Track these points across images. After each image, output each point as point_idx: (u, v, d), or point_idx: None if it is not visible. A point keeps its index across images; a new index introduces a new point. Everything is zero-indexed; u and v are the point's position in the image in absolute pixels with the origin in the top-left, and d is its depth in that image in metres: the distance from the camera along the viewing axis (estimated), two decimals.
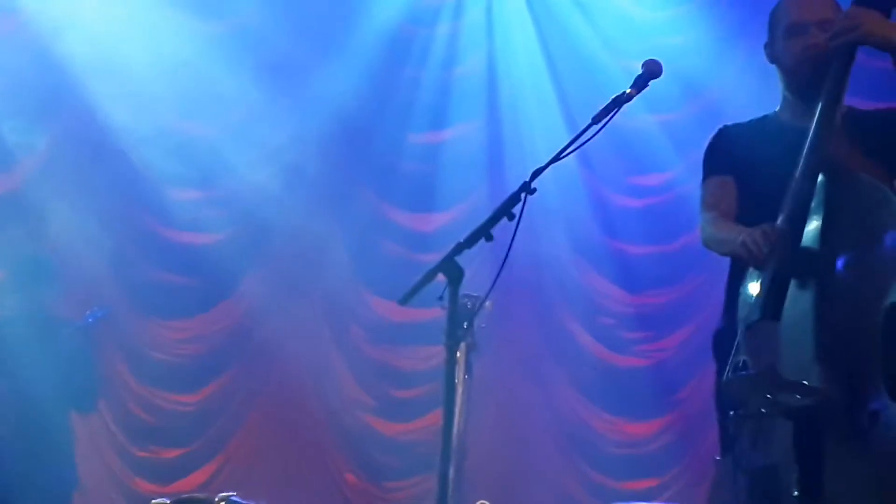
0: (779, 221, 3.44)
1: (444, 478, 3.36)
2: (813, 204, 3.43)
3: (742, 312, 3.57)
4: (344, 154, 8.99)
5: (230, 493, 6.17)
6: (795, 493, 3.21)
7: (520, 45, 9.08)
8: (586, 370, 8.75)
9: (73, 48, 8.33)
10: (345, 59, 8.84)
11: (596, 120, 3.55)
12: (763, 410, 3.31)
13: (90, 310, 6.63)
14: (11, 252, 6.94)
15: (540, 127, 8.77)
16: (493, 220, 3.40)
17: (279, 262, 8.86)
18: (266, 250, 8.89)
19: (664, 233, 8.63)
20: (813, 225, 3.42)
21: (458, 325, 3.36)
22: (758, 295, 3.42)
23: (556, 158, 3.53)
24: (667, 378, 8.58)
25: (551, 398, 8.74)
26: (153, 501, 6.19)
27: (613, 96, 3.59)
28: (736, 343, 3.57)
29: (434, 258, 3.40)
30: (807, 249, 3.39)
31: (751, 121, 4.01)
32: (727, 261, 3.83)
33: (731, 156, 3.92)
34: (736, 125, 4.04)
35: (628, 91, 3.62)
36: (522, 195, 3.39)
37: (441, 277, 3.34)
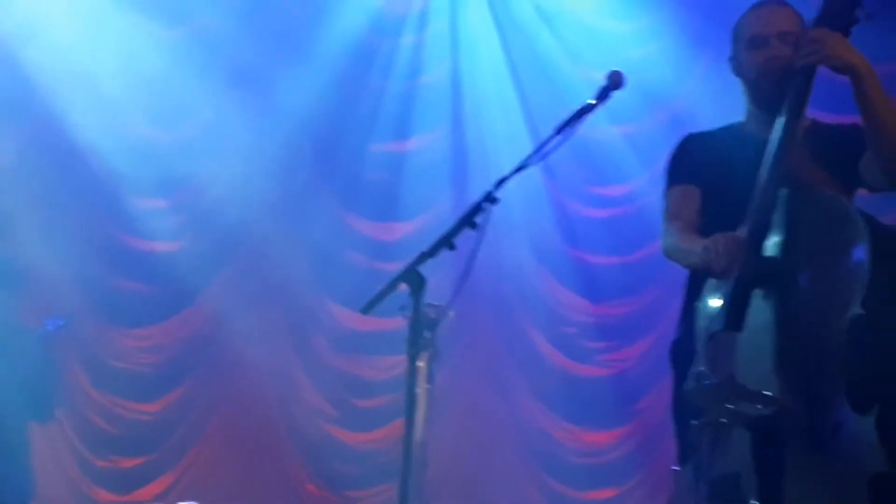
0: (740, 233, 3.47)
1: (404, 487, 3.36)
2: (775, 217, 3.46)
3: (702, 323, 3.59)
4: (307, 163, 8.98)
5: (190, 503, 6.15)
6: (754, 502, 3.23)
7: (484, 56, 9.09)
8: (548, 379, 8.76)
9: (39, 56, 8.31)
10: (309, 67, 8.82)
11: (559, 130, 3.58)
12: (723, 420, 3.33)
13: (50, 318, 6.58)
14: None
15: (503, 137, 8.79)
16: (456, 229, 3.41)
17: (241, 270, 8.84)
18: (228, 259, 8.86)
19: (626, 243, 8.66)
20: (775, 238, 3.45)
21: (420, 335, 3.37)
22: (719, 306, 3.44)
23: (520, 168, 3.55)
24: (628, 388, 8.61)
25: (513, 407, 8.75)
26: None
27: (577, 107, 3.61)
28: (695, 353, 3.60)
29: (397, 267, 3.41)
30: (768, 260, 3.42)
31: (716, 129, 4.04)
32: (687, 271, 3.85)
33: (696, 165, 3.94)
34: (701, 133, 4.07)
35: (591, 102, 3.65)
36: (485, 205, 3.41)
37: (404, 287, 3.35)
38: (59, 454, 8.54)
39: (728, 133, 3.98)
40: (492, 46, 9.07)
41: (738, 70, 3.91)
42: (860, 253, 3.24)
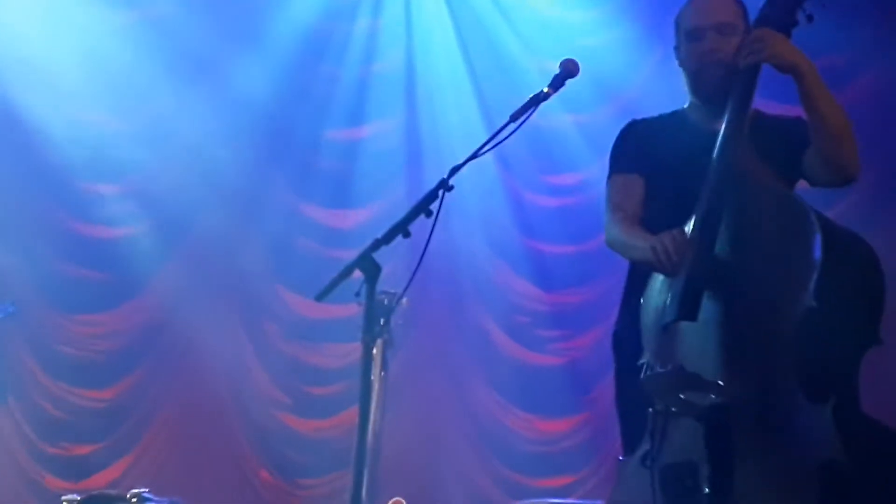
0: (689, 229, 3.49)
1: (358, 475, 3.36)
2: (725, 211, 3.47)
3: (648, 318, 3.61)
4: (260, 149, 8.94)
5: (142, 490, 6.12)
6: (706, 489, 3.25)
7: (438, 43, 9.08)
8: (501, 368, 8.77)
9: None
10: (262, 53, 8.79)
11: (513, 118, 3.58)
12: (674, 409, 3.35)
13: None
14: None
15: (458, 124, 8.79)
16: (411, 216, 3.41)
17: (193, 257, 8.79)
18: (180, 245, 8.81)
19: (579, 232, 8.67)
20: (725, 233, 3.46)
21: (374, 322, 3.37)
22: (670, 297, 3.46)
23: (474, 156, 3.56)
24: (581, 376, 8.63)
25: (466, 395, 8.76)
26: (63, 498, 6.11)
27: (531, 95, 3.62)
28: (638, 346, 3.62)
29: (351, 255, 3.40)
30: (720, 258, 3.43)
31: (661, 115, 4.06)
32: None
33: (640, 152, 3.95)
34: (645, 120, 4.08)
35: (545, 90, 3.66)
36: (440, 192, 3.41)
37: (358, 274, 3.34)
38: (8, 441, 8.49)
39: (671, 120, 4.01)
40: (446, 33, 9.07)
41: (680, 61, 3.94)
42: (812, 246, 3.27)
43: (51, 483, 8.48)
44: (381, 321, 5.20)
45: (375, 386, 5.37)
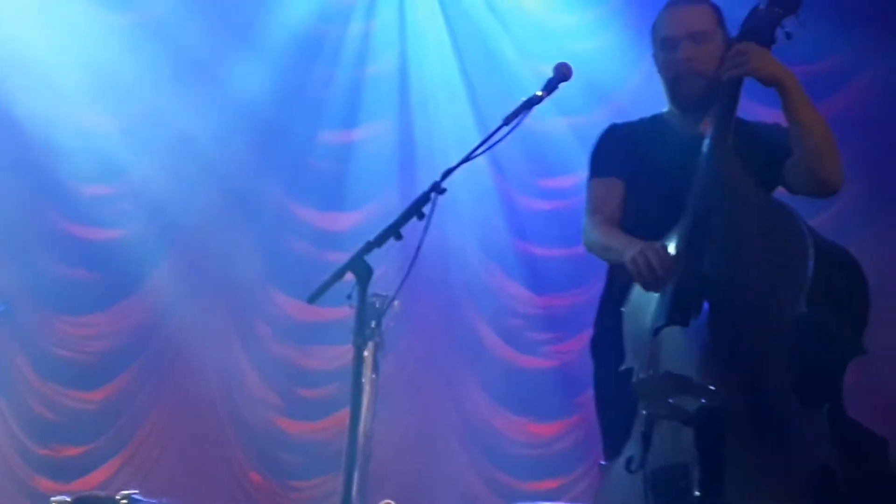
0: (673, 241, 3.48)
1: (349, 477, 3.36)
2: (713, 221, 3.47)
3: (632, 323, 3.60)
4: (254, 151, 8.94)
5: (132, 491, 6.11)
6: (697, 493, 3.25)
7: (432, 46, 9.09)
8: (493, 370, 8.77)
9: None
10: (256, 55, 8.79)
11: (507, 121, 3.59)
12: (665, 413, 3.35)
13: None
14: None
15: (451, 127, 8.79)
16: (403, 219, 3.41)
17: (186, 258, 8.79)
18: (173, 246, 8.81)
19: (571, 235, 8.58)
20: (714, 241, 3.45)
21: (366, 324, 3.37)
22: (658, 303, 3.46)
23: (467, 159, 3.56)
24: (572, 379, 8.63)
25: (457, 398, 8.76)
26: (53, 499, 6.10)
27: (524, 98, 3.63)
28: (619, 352, 3.61)
29: (343, 257, 3.40)
30: (709, 266, 3.43)
31: (641, 120, 4.06)
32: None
33: (620, 156, 3.94)
34: (626, 124, 4.08)
35: (539, 93, 3.67)
36: (432, 195, 3.41)
37: (350, 276, 3.34)
38: None
39: (651, 124, 4.01)
40: (439, 36, 9.07)
41: (658, 69, 3.95)
42: (805, 254, 3.27)
43: (41, 484, 8.46)
44: (373, 324, 5.20)
45: (366, 388, 5.36)
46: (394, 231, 3.39)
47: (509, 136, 3.58)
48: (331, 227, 8.86)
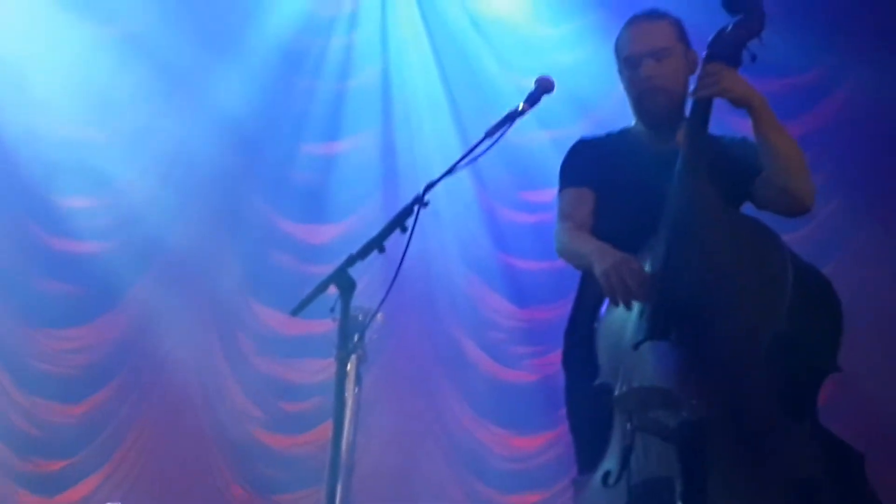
0: (650, 261, 3.49)
1: (331, 491, 3.35)
2: (690, 239, 3.47)
3: (607, 338, 3.60)
4: (236, 163, 8.93)
5: None
6: None
7: (414, 59, 9.10)
8: (475, 384, 8.77)
9: None
10: (239, 68, 8.78)
11: (489, 134, 3.59)
12: (646, 426, 3.34)
13: None
14: None
15: (433, 140, 8.80)
16: (386, 232, 3.41)
17: (168, 271, 8.76)
18: (155, 259, 8.78)
19: (554, 248, 8.67)
20: (692, 258, 3.45)
21: (348, 338, 3.36)
22: (638, 317, 3.46)
23: (450, 172, 3.56)
24: (554, 392, 8.55)
25: (440, 411, 8.76)
26: None
27: (506, 111, 3.63)
28: (593, 366, 3.61)
29: (325, 270, 3.40)
30: (687, 282, 3.43)
31: (609, 134, 4.09)
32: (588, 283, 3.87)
33: (590, 168, 3.98)
34: (594, 137, 4.13)
35: (521, 106, 3.67)
36: (415, 208, 3.41)
37: (333, 289, 3.34)
38: None
39: (619, 139, 4.04)
40: (422, 49, 9.09)
41: (624, 86, 3.97)
42: (783, 270, 3.31)
43: (24, 499, 8.42)
44: (356, 337, 5.18)
45: (349, 401, 5.35)
46: (377, 244, 3.39)
47: (492, 149, 3.58)
48: (313, 240, 8.85)
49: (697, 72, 3.84)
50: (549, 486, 8.51)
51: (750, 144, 3.76)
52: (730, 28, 3.66)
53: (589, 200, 3.93)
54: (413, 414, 8.75)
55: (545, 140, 8.69)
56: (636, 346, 3.45)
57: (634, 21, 3.96)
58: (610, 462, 3.49)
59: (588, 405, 3.67)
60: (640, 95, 3.87)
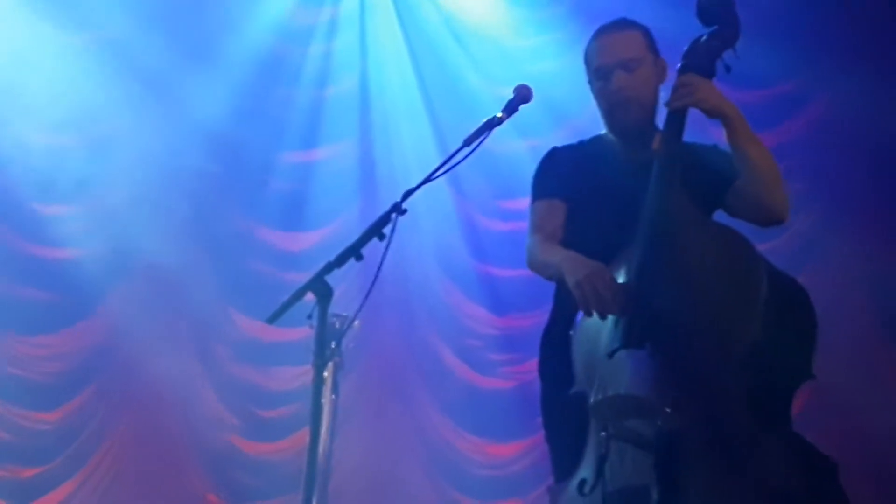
0: (624, 271, 3.50)
1: (308, 498, 3.35)
2: (665, 250, 3.47)
3: (583, 346, 3.60)
4: (214, 171, 8.91)
5: None
6: None
7: (392, 67, 9.12)
8: (452, 391, 8.78)
9: None
10: (217, 75, 8.77)
11: (467, 143, 3.60)
12: (621, 435, 3.35)
13: None
14: None
15: (411, 148, 8.81)
16: (364, 239, 3.41)
17: (144, 278, 8.73)
18: (131, 266, 8.74)
19: None
20: (668, 269, 3.45)
21: (326, 345, 3.36)
22: (613, 326, 3.46)
23: (428, 180, 3.57)
24: (531, 400, 8.56)
25: (417, 419, 8.76)
26: None
27: (484, 120, 3.64)
28: (568, 373, 3.61)
29: (303, 277, 3.40)
30: (663, 292, 3.43)
31: (581, 142, 4.10)
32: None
33: (562, 178, 3.98)
34: (567, 147, 4.12)
35: (499, 115, 3.69)
36: (393, 216, 3.41)
37: (310, 296, 3.33)
38: None
39: (591, 147, 4.04)
40: (400, 58, 9.10)
41: (594, 96, 3.98)
42: (758, 278, 3.31)
43: None
44: (333, 344, 5.18)
45: (326, 409, 5.35)
46: (354, 251, 3.39)
47: (470, 158, 3.59)
48: (291, 248, 8.85)
49: (667, 80, 3.86)
50: (525, 494, 8.52)
51: (722, 152, 3.77)
52: (704, 38, 3.67)
53: (560, 212, 3.93)
54: (390, 421, 8.74)
55: (523, 149, 8.71)
56: (611, 354, 3.45)
57: (603, 31, 3.97)
58: (585, 470, 3.49)
59: (564, 414, 3.67)
60: (612, 108, 3.87)
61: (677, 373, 3.35)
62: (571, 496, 3.52)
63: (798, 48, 8.22)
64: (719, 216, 3.81)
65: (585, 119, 8.45)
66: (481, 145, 3.59)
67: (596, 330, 3.51)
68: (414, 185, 3.53)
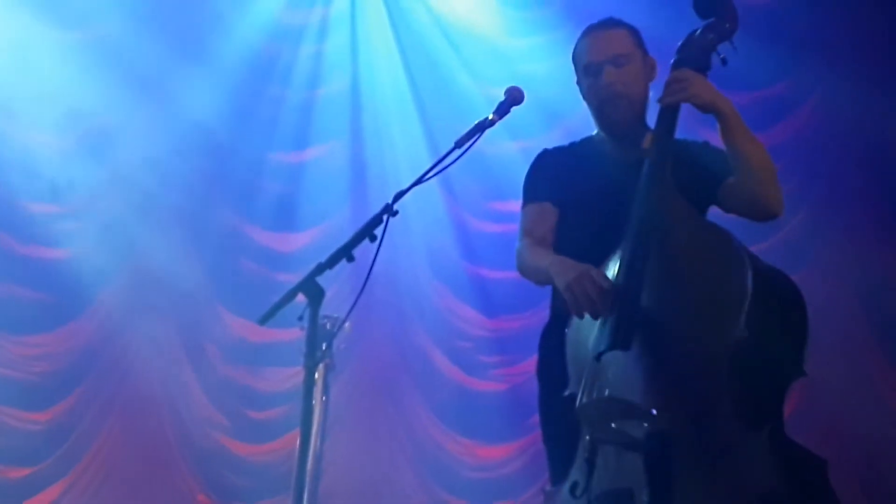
0: (612, 267, 3.49)
1: (298, 499, 3.35)
2: (653, 246, 3.46)
3: (574, 348, 3.59)
4: (204, 171, 8.90)
5: None
6: None
7: (384, 68, 9.11)
8: (443, 393, 8.78)
9: None
10: (208, 75, 8.77)
11: (458, 144, 3.60)
12: (607, 437, 3.34)
13: None
14: None
15: (403, 149, 8.81)
16: (355, 241, 3.40)
17: (134, 278, 8.72)
18: (121, 266, 8.73)
19: None
20: (655, 266, 3.44)
21: (316, 346, 3.35)
22: (601, 327, 3.45)
23: (419, 181, 3.56)
24: (522, 402, 8.63)
25: (407, 420, 8.76)
26: None
27: (476, 121, 3.64)
28: (563, 376, 3.61)
29: (294, 278, 3.39)
30: (650, 290, 3.42)
31: (572, 144, 4.10)
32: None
33: (552, 181, 3.97)
34: (557, 149, 4.12)
35: (491, 117, 3.68)
36: (384, 217, 3.40)
37: (301, 297, 3.33)
38: None
39: (582, 148, 4.04)
40: (391, 59, 9.10)
41: (583, 96, 3.98)
42: (744, 278, 3.27)
43: None
44: (324, 345, 5.18)
45: (317, 410, 5.35)
46: (345, 253, 3.38)
47: (461, 159, 3.59)
48: (282, 248, 8.84)
49: (656, 79, 3.85)
50: (516, 496, 8.52)
51: (713, 149, 3.76)
52: (699, 31, 3.66)
53: (550, 216, 3.93)
54: (380, 423, 8.74)
55: (515, 150, 8.71)
56: (598, 356, 3.44)
57: (591, 30, 3.98)
58: (577, 473, 3.49)
59: (559, 415, 3.66)
60: (602, 104, 3.87)
61: (663, 374, 3.34)
62: (565, 499, 3.51)
63: (788, 50, 8.24)
64: (713, 213, 3.80)
65: (577, 120, 8.45)
66: (473, 147, 3.59)
67: (587, 330, 3.51)
68: (405, 186, 3.52)
